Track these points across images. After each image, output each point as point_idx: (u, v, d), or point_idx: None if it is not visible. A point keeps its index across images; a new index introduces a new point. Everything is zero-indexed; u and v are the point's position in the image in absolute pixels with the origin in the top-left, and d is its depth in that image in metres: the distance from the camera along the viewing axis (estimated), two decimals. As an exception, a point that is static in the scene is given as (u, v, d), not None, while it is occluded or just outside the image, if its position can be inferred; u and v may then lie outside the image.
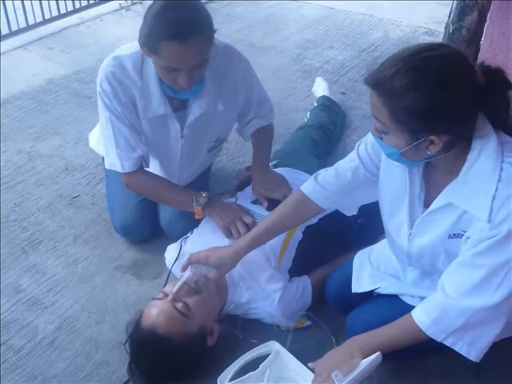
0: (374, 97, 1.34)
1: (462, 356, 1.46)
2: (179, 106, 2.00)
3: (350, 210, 1.84)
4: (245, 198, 2.14)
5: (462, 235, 1.42)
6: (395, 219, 1.60)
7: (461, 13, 3.55)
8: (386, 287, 1.73)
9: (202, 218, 2.06)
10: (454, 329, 1.41)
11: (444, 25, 3.81)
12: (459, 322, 1.40)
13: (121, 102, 1.93)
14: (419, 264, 1.62)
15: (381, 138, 1.41)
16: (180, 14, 1.69)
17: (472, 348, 1.43)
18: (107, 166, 2.05)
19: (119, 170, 2.01)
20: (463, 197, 1.39)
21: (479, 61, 2.91)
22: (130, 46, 1.94)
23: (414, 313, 1.47)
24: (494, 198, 1.33)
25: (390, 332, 1.50)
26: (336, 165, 1.74)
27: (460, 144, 1.37)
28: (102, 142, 2.07)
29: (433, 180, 1.50)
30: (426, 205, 1.51)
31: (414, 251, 1.58)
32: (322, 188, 1.73)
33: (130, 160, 1.99)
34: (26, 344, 1.87)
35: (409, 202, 1.53)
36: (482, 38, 3.36)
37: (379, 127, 1.38)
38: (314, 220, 2.00)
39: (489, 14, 3.24)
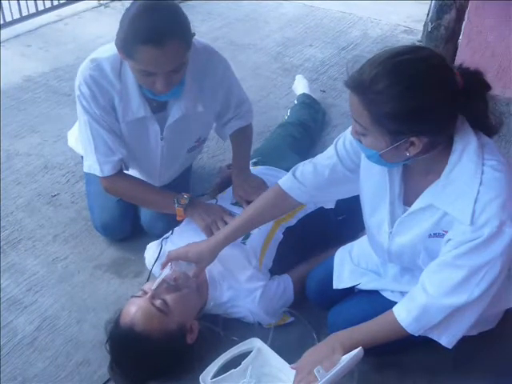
0: (354, 99, 1.34)
1: (442, 350, 1.48)
2: (158, 108, 1.99)
3: (327, 204, 1.86)
4: (225, 199, 2.14)
5: (443, 235, 1.44)
6: (376, 217, 1.61)
7: (439, 11, 3.59)
8: (366, 283, 1.74)
9: (183, 219, 2.06)
10: (433, 325, 1.45)
11: (423, 23, 3.85)
12: (438, 318, 1.43)
13: (99, 105, 1.91)
14: (399, 261, 1.64)
15: (360, 141, 1.42)
16: (156, 18, 1.67)
17: (443, 334, 1.46)
18: (85, 169, 2.03)
19: (98, 173, 1.99)
20: (445, 199, 1.41)
21: (458, 59, 2.94)
22: (108, 47, 1.91)
23: (395, 310, 1.48)
24: (476, 201, 1.34)
25: (372, 328, 1.51)
26: (314, 160, 1.75)
27: (440, 146, 1.39)
28: (81, 144, 2.05)
29: (413, 179, 1.51)
30: (407, 203, 1.52)
31: (394, 249, 1.59)
32: (300, 184, 1.74)
33: (110, 164, 1.97)
34: (6, 344, 1.85)
35: (389, 201, 1.55)
36: (460, 37, 3.40)
37: (359, 129, 1.38)
38: (294, 221, 2.01)
39: (467, 13, 3.28)
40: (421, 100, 1.28)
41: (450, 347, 1.48)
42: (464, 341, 1.50)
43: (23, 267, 2.15)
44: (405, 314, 1.46)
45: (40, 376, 1.76)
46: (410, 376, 1.73)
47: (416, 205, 1.48)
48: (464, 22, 3.32)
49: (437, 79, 1.30)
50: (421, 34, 3.95)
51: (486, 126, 1.42)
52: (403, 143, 1.34)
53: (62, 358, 1.81)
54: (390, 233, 1.57)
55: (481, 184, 1.35)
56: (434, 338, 1.48)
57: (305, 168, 1.75)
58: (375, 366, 1.72)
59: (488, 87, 1.38)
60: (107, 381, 1.72)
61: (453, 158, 1.39)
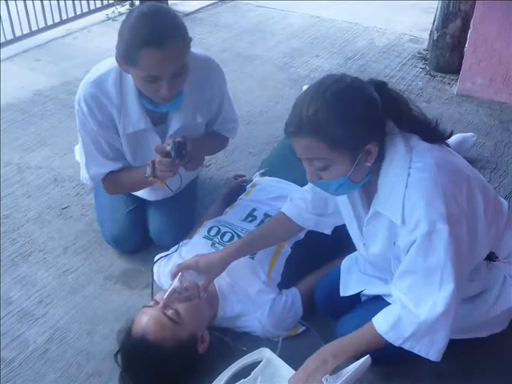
0: (303, 141, 1.39)
1: (452, 357, 1.48)
2: (159, 120, 2.02)
3: (325, 229, 1.87)
4: (235, 215, 2.15)
5: None
6: (351, 230, 1.67)
7: (445, 20, 3.61)
8: (372, 288, 1.75)
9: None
10: (408, 335, 1.44)
11: (428, 32, 3.86)
12: (411, 329, 1.43)
13: (97, 121, 1.95)
14: (380, 270, 1.67)
15: (322, 178, 1.45)
16: (155, 22, 1.71)
17: (430, 349, 1.45)
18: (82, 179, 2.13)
19: (89, 183, 2.11)
20: (382, 204, 1.46)
21: (464, 67, 2.96)
22: (107, 63, 1.95)
23: (374, 319, 1.51)
24: (403, 204, 1.39)
25: (356, 337, 1.52)
26: (306, 187, 1.81)
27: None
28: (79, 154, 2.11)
29: (371, 187, 1.54)
30: None
31: (371, 259, 1.63)
32: (300, 209, 1.81)
33: (99, 176, 2.07)
34: (17, 356, 1.87)
35: (354, 213, 1.59)
36: (466, 45, 3.41)
37: (319, 166, 1.42)
38: (301, 235, 2.02)
39: (472, 22, 3.29)
40: (360, 111, 1.35)
41: (439, 360, 1.46)
42: (474, 345, 1.48)
43: (34, 279, 2.17)
44: (382, 322, 1.48)
45: (51, 387, 1.78)
46: (420, 384, 1.73)
47: (368, 214, 1.52)
48: (469, 31, 3.34)
49: (363, 95, 1.38)
50: (426, 42, 3.97)
51: (427, 134, 1.47)
52: (362, 156, 1.39)
53: (73, 370, 1.82)
54: (364, 244, 1.61)
55: (406, 187, 1.39)
56: (422, 355, 1.46)
57: (295, 194, 1.85)
58: (384, 376, 1.72)
59: (396, 99, 1.45)
60: (118, 391, 1.73)
61: (383, 164, 1.44)
